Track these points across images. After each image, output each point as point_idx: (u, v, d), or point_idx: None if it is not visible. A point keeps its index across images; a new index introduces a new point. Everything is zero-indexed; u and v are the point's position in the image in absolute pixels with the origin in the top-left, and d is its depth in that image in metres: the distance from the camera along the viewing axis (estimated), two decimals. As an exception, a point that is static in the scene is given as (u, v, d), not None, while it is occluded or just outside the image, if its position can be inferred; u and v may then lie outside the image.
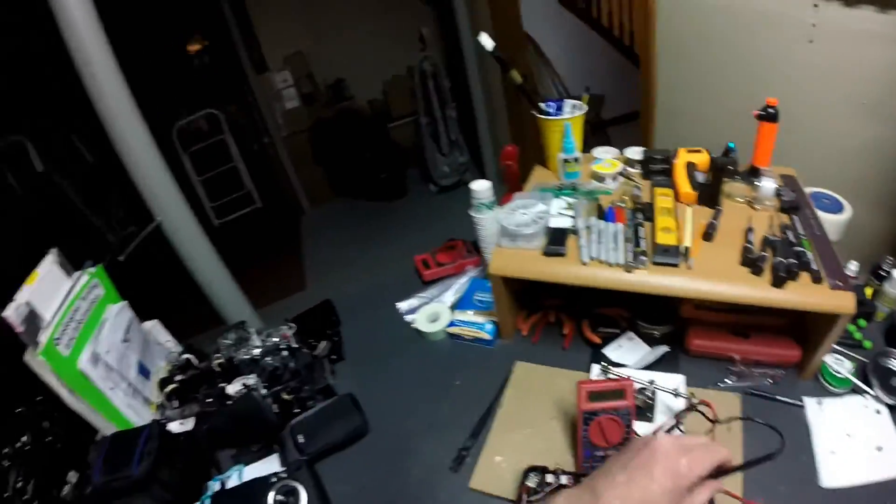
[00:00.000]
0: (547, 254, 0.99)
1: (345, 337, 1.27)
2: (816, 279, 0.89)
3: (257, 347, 1.16)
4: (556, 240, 1.01)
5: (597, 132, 3.39)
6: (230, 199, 3.98)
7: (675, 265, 0.93)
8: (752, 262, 0.92)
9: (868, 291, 1.15)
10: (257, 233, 3.99)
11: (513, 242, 1.03)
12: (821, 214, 1.12)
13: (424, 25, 3.66)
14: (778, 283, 0.88)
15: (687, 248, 0.95)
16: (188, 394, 1.12)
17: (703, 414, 0.79)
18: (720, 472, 0.59)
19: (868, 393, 0.98)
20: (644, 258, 0.94)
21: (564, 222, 1.04)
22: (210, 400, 1.08)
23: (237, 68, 3.86)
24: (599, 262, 0.96)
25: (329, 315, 1.32)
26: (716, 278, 0.92)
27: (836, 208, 1.21)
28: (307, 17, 3.93)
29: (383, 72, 4.27)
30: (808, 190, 1.23)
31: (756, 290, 0.90)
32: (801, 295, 0.88)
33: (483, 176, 1.33)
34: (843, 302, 0.86)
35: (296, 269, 3.61)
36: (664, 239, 0.97)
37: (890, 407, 0.96)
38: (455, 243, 1.44)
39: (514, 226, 1.01)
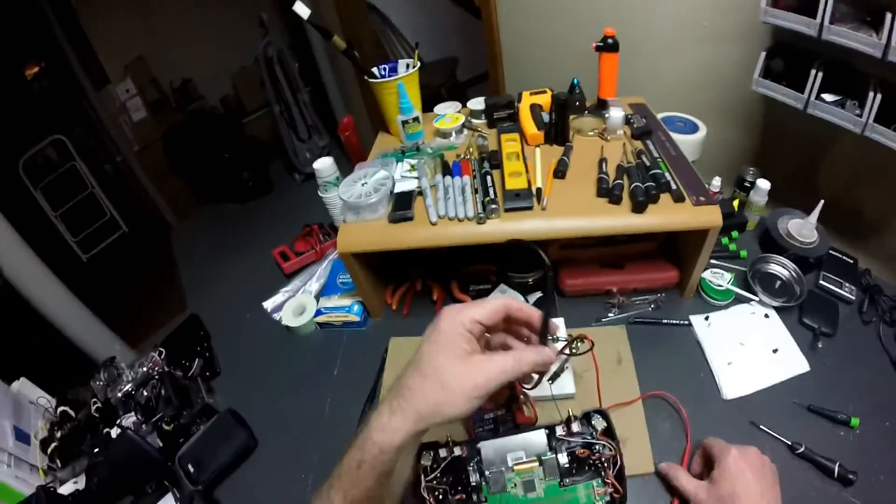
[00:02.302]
0: (393, 220, 0.95)
1: (217, 350, 1.18)
2: (678, 198, 0.89)
3: (129, 382, 1.07)
4: (402, 204, 0.97)
5: (454, 95, 3.37)
6: (94, 228, 3.62)
7: (528, 208, 0.92)
8: (608, 192, 0.91)
9: (735, 204, 1.19)
10: (129, 259, 3.69)
11: (357, 216, 0.97)
12: (676, 136, 1.14)
13: (263, 9, 3.44)
14: (638, 208, 0.88)
15: (539, 190, 0.94)
16: (73, 449, 1.01)
17: (571, 347, 0.77)
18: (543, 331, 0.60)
19: (753, 300, 1.02)
20: (495, 206, 0.91)
21: (409, 185, 1.01)
22: (97, 450, 0.98)
23: (76, 85, 3.46)
24: (449, 220, 0.93)
25: (197, 331, 1.23)
26: (573, 214, 0.91)
27: (692, 129, 1.24)
28: (141, 18, 3.58)
29: (230, 65, 4.00)
30: (660, 115, 1.26)
31: (617, 219, 0.89)
32: (665, 216, 0.88)
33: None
34: (710, 216, 0.87)
35: (173, 290, 3.37)
36: (513, 184, 0.95)
37: (777, 309, 0.99)
38: (311, 228, 1.37)
39: (354, 198, 0.96)
